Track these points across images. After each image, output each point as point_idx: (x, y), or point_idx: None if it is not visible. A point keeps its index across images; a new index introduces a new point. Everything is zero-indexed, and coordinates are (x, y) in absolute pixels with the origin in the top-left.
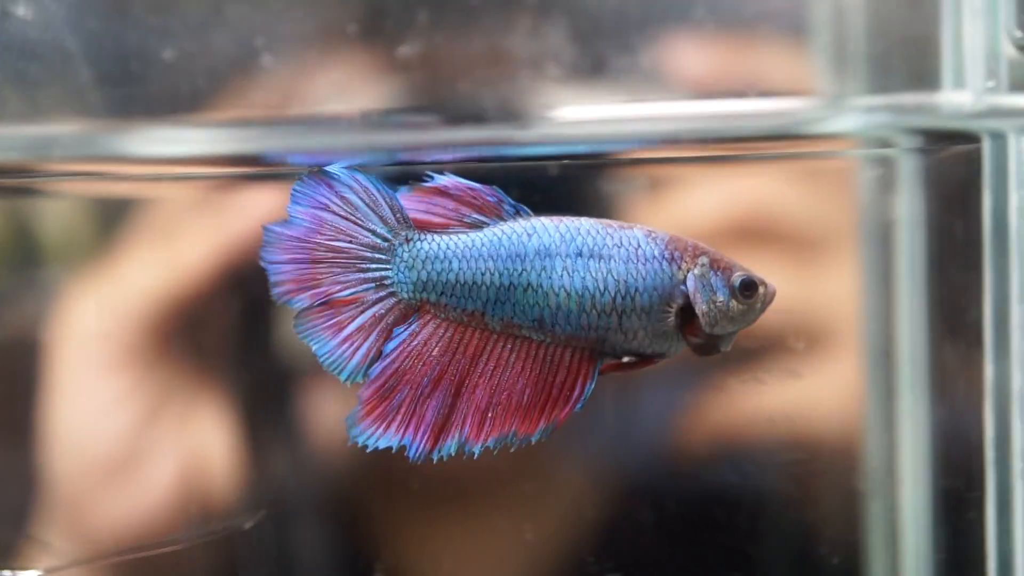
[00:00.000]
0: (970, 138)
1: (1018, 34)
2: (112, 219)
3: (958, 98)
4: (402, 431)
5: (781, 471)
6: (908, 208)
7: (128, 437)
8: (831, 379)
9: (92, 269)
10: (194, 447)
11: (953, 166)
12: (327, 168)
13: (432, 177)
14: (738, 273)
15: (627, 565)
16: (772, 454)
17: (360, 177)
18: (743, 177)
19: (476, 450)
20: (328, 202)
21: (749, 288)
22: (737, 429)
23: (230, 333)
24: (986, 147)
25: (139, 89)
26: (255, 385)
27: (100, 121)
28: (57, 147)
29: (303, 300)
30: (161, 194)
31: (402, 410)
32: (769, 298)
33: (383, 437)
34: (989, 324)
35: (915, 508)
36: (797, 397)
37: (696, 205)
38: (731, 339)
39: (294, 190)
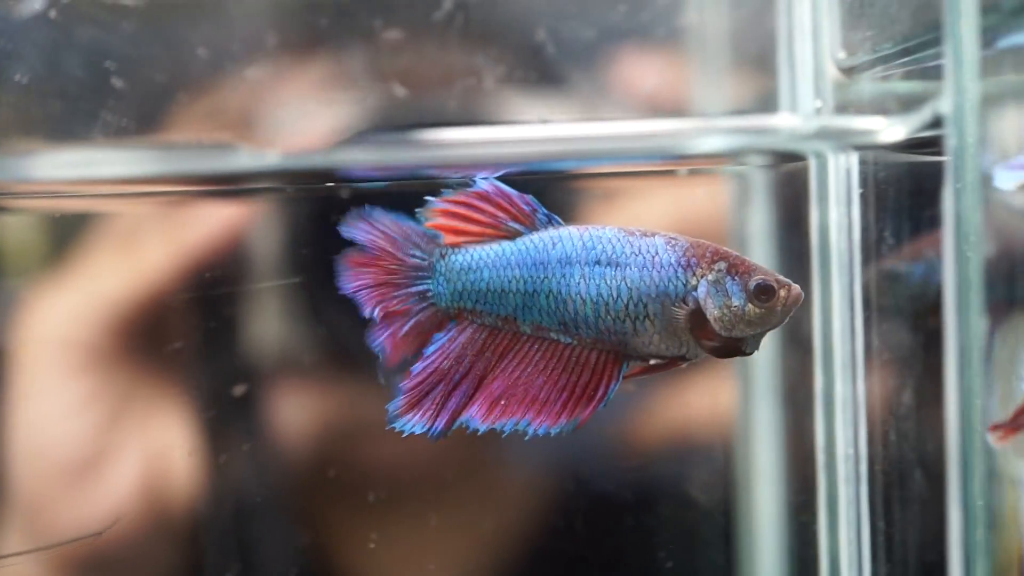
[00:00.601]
0: (801, 157)
1: (842, 56)
2: (74, 226)
3: (792, 120)
4: (429, 418)
5: (650, 483)
6: (760, 224)
7: (90, 441)
8: (702, 392)
9: (54, 274)
10: (156, 451)
11: (790, 184)
12: (362, 212)
13: (475, 182)
14: (756, 277)
15: (469, 573)
16: (643, 467)
17: (388, 216)
18: (683, 189)
19: (481, 428)
20: (375, 237)
21: (765, 292)
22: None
23: (192, 337)
24: (812, 165)
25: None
26: (217, 389)
27: (56, 142)
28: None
29: (375, 315)
30: (120, 210)
31: (435, 402)
32: (792, 300)
33: (417, 424)
34: (817, 334)
35: (770, 515)
36: (672, 410)
37: (641, 217)
38: (757, 341)
39: (343, 230)
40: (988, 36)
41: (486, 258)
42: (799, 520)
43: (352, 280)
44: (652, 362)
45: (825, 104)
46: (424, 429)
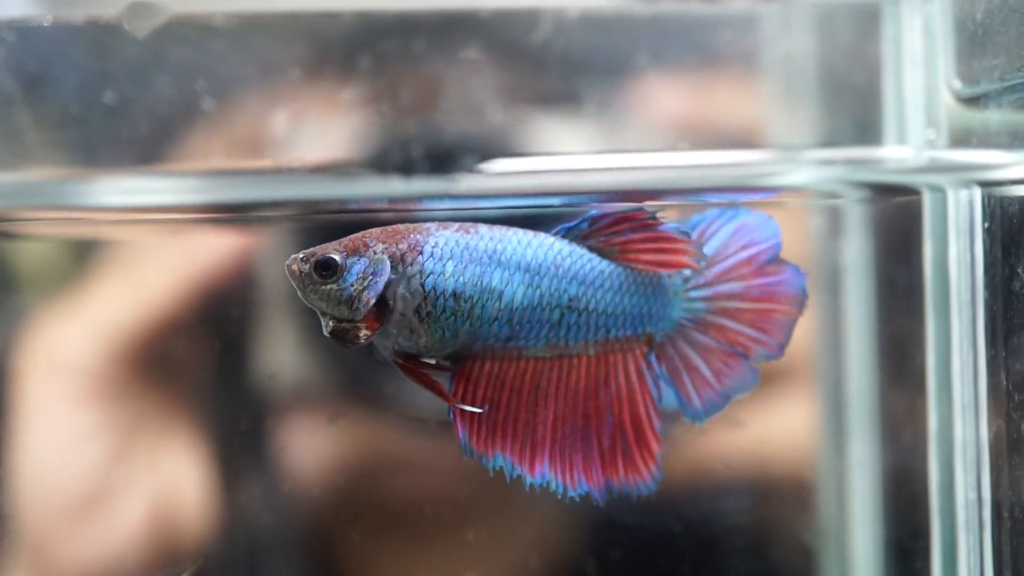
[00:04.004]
0: (912, 191)
1: (957, 85)
2: (83, 252)
3: (900, 152)
4: None
5: (728, 519)
6: (856, 255)
7: (97, 472)
8: (785, 425)
9: (62, 301)
10: (165, 483)
11: (896, 216)
12: None
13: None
14: None
15: None
16: (718, 501)
17: None
18: None
19: None
20: None
21: None
22: (686, 477)
23: (202, 366)
24: (926, 199)
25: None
26: (227, 420)
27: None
28: (30, 195)
29: None
30: (129, 236)
31: None
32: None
33: None
34: (932, 372)
35: (866, 558)
36: (750, 442)
37: None
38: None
39: None
40: None
41: None
42: (910, 568)
43: None
44: None
45: (939, 135)
46: None
